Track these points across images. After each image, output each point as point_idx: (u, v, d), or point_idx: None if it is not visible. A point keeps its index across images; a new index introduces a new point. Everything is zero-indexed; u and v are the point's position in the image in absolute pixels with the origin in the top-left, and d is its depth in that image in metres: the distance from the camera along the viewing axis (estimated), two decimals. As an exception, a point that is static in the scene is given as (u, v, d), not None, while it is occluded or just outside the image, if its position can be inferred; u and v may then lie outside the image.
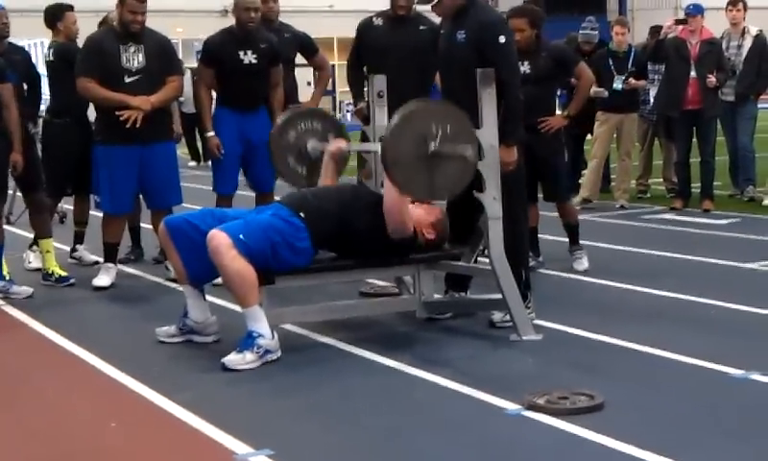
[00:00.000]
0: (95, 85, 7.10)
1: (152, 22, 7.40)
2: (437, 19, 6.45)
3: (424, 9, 6.38)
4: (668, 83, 10.28)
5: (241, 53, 7.31)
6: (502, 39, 5.80)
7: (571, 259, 7.55)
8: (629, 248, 8.42)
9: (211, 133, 7.38)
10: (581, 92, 7.66)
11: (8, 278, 7.17)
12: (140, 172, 7.24)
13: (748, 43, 10.58)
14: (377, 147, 6.01)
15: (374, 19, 7.45)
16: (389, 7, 7.35)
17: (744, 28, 10.66)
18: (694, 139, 10.29)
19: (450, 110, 5.43)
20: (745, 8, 10.75)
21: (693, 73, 10.02)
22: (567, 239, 7.66)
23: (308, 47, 8.16)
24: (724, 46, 10.64)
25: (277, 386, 4.96)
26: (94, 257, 8.01)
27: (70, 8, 8.02)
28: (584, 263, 7.49)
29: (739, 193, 10.93)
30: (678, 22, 10.39)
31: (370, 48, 7.30)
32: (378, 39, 7.26)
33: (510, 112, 5.74)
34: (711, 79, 9.99)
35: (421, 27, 7.26)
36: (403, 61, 6.89)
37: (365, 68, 7.37)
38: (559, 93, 9.25)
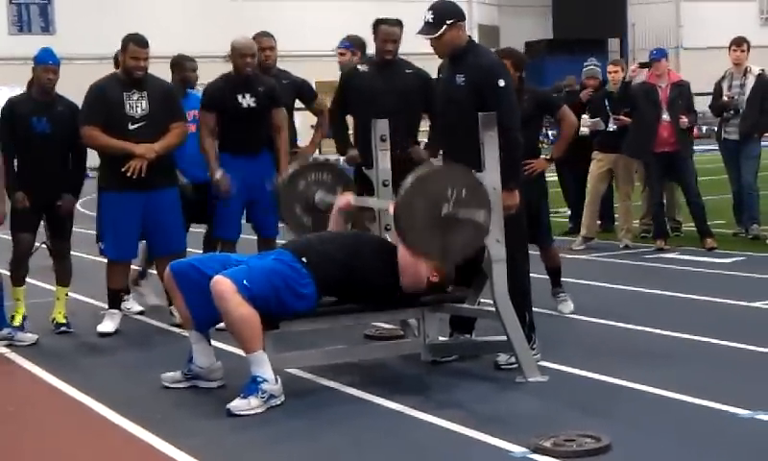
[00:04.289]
0: (99, 133, 7.13)
1: (155, 69, 7.46)
2: (425, 63, 6.47)
3: (414, 50, 6.42)
4: (638, 128, 10.33)
5: (239, 97, 7.35)
6: (501, 83, 5.83)
7: (556, 301, 7.49)
8: (633, 288, 8.41)
9: (220, 172, 7.38)
10: (564, 136, 7.66)
11: (17, 324, 7.16)
12: (144, 218, 7.26)
13: (751, 82, 10.63)
14: (383, 204, 6.06)
15: (360, 66, 7.51)
16: (374, 53, 7.41)
17: (747, 67, 10.72)
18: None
19: (463, 174, 5.47)
20: (748, 48, 10.82)
21: (665, 116, 10.10)
22: (551, 282, 7.57)
23: (306, 93, 8.19)
24: (726, 86, 10.73)
25: (282, 432, 4.95)
26: (139, 307, 7.96)
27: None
28: (569, 305, 7.43)
29: (743, 232, 10.92)
30: (642, 65, 10.53)
31: (357, 95, 7.32)
32: (365, 86, 7.29)
33: (510, 157, 5.75)
34: (684, 120, 10.16)
35: (407, 71, 7.30)
36: (391, 106, 6.90)
37: (351, 116, 7.43)
38: (551, 137, 9.34)
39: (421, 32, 5.98)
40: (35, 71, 7.29)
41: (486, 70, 5.87)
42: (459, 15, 5.94)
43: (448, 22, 5.86)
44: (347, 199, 6.21)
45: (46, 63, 7.23)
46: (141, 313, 7.85)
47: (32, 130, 7.19)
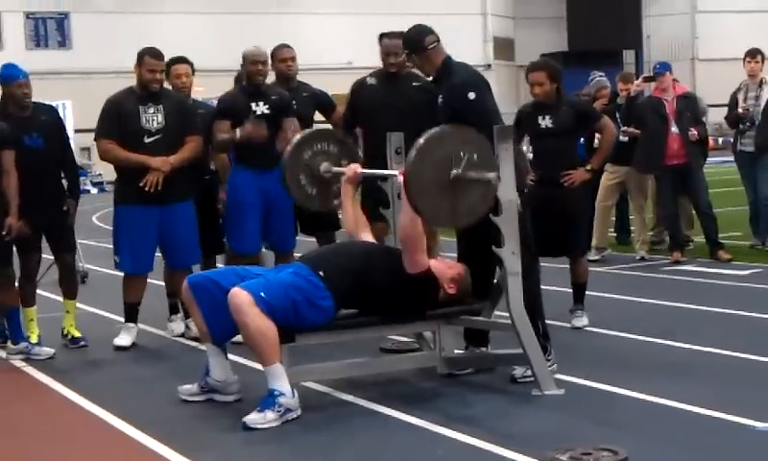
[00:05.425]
0: (115, 147, 7.17)
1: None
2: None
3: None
4: (647, 142, 10.30)
5: (253, 104, 7.37)
6: (471, 96, 5.88)
7: (571, 316, 7.37)
8: (650, 300, 8.37)
9: (223, 193, 7.48)
10: (604, 146, 7.61)
11: (35, 340, 7.17)
12: (160, 231, 7.28)
13: (766, 94, 10.59)
14: (392, 173, 6.07)
15: (368, 79, 7.56)
16: (381, 64, 7.44)
17: (762, 79, 10.69)
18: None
19: (470, 136, 5.47)
20: (763, 59, 10.80)
21: (674, 129, 10.09)
22: (573, 296, 7.48)
23: (326, 105, 8.21)
24: (741, 97, 10.69)
25: (298, 446, 4.95)
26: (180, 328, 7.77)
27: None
28: (583, 320, 7.34)
29: (760, 243, 10.88)
30: (647, 79, 10.53)
31: (364, 107, 7.41)
32: (372, 98, 7.36)
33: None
34: (694, 132, 10.15)
35: (414, 83, 7.33)
36: (397, 119, 6.91)
37: (358, 128, 7.48)
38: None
39: (408, 60, 6.30)
40: (8, 89, 7.16)
41: (455, 89, 5.94)
42: (416, 44, 6.06)
43: (407, 52, 6.13)
44: (354, 169, 6.19)
45: (18, 79, 7.13)
46: (182, 336, 7.62)
47: (26, 148, 7.08)
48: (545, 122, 6.93)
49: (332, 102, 8.31)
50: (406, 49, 6.16)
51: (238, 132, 7.27)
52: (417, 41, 6.07)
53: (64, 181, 7.44)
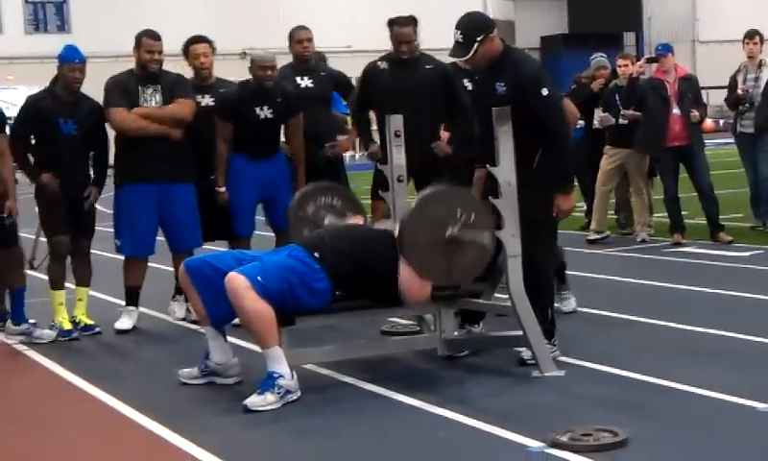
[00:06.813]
0: (130, 114, 7.16)
1: (173, 66, 7.49)
2: (443, 58, 6.43)
3: (430, 46, 6.41)
4: (648, 123, 10.29)
5: (257, 109, 7.35)
6: (545, 92, 5.78)
7: (559, 299, 7.14)
8: (651, 282, 8.37)
9: (222, 189, 7.43)
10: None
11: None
12: (160, 212, 7.28)
13: (765, 76, 10.58)
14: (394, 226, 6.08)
15: (380, 63, 7.52)
16: (392, 50, 7.42)
17: (761, 60, 10.67)
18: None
19: (467, 196, 5.56)
20: (762, 41, 10.78)
21: (676, 110, 10.08)
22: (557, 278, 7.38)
23: (343, 85, 8.21)
24: (741, 79, 10.69)
25: (298, 427, 4.96)
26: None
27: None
28: (571, 304, 7.24)
29: (761, 225, 10.87)
30: (649, 60, 10.52)
31: (376, 91, 7.39)
32: (384, 82, 7.35)
33: (564, 161, 5.82)
34: (695, 114, 10.13)
35: (427, 67, 7.32)
36: (410, 102, 6.90)
37: (371, 112, 7.49)
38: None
39: (453, 54, 5.92)
40: (60, 70, 7.19)
41: (528, 80, 5.80)
42: (488, 27, 5.85)
43: (479, 39, 5.76)
44: (356, 221, 6.20)
45: (72, 62, 7.16)
46: (183, 319, 7.59)
47: (59, 131, 7.13)
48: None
49: (349, 82, 8.31)
50: (482, 33, 5.75)
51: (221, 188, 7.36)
52: (488, 24, 5.87)
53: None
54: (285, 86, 7.59)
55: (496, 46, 5.86)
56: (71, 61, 7.16)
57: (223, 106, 7.50)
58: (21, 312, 7.20)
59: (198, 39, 7.81)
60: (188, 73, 7.78)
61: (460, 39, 5.79)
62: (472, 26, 5.81)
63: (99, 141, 7.35)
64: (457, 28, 5.81)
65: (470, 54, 5.78)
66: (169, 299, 7.80)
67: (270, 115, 7.38)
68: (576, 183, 11.51)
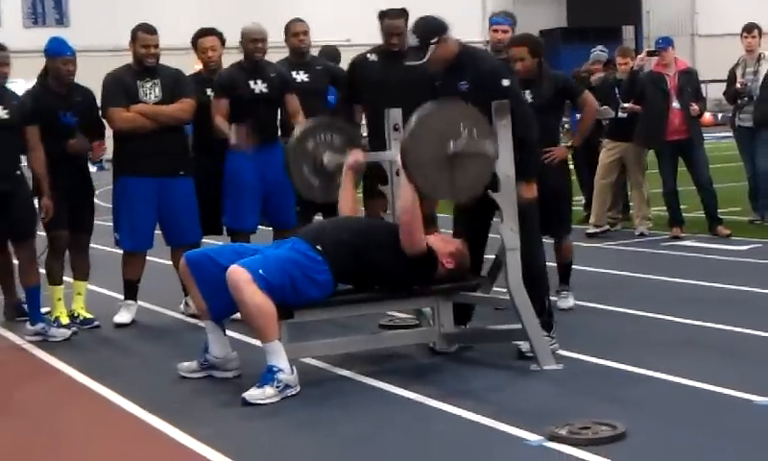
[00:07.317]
0: (130, 114, 7.16)
1: (170, 59, 7.48)
2: None
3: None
4: (648, 117, 10.29)
5: (251, 82, 7.35)
6: (506, 83, 5.82)
7: (557, 295, 7.17)
8: (648, 275, 8.38)
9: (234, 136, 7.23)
10: (585, 122, 7.42)
11: (52, 319, 7.16)
12: (159, 206, 7.29)
13: (764, 69, 10.58)
14: (392, 155, 6.04)
15: (369, 55, 7.51)
16: (383, 42, 7.41)
17: (760, 54, 10.68)
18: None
19: (467, 109, 5.47)
20: (760, 34, 10.79)
21: (675, 104, 10.08)
22: (559, 277, 7.30)
23: (340, 79, 8.18)
24: (740, 73, 10.69)
25: (297, 421, 4.96)
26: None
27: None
28: (569, 302, 7.22)
29: (759, 218, 10.89)
30: (650, 54, 10.53)
31: (365, 84, 7.37)
32: (373, 75, 7.33)
33: (526, 149, 5.77)
34: (695, 107, 10.12)
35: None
36: (399, 96, 6.87)
37: (358, 105, 7.47)
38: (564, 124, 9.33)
39: (409, 59, 6.01)
40: (53, 63, 7.19)
41: (488, 74, 5.87)
42: (442, 30, 5.90)
43: (433, 42, 5.83)
44: (356, 155, 6.17)
45: (65, 55, 7.17)
46: (182, 313, 7.58)
47: (60, 124, 7.14)
48: (527, 97, 6.84)
49: (345, 75, 8.29)
50: (435, 36, 5.83)
51: (232, 136, 7.15)
52: (441, 27, 5.89)
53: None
54: (277, 65, 7.61)
55: (451, 48, 5.92)
56: (63, 54, 7.18)
57: (218, 81, 7.47)
58: (37, 311, 7.12)
59: (206, 32, 7.83)
60: (192, 67, 7.78)
61: (415, 43, 5.87)
62: (427, 30, 5.88)
63: (96, 126, 7.36)
64: (413, 32, 5.89)
65: (426, 57, 5.83)
66: (171, 293, 7.78)
67: (265, 90, 7.37)
68: (574, 177, 11.61)
